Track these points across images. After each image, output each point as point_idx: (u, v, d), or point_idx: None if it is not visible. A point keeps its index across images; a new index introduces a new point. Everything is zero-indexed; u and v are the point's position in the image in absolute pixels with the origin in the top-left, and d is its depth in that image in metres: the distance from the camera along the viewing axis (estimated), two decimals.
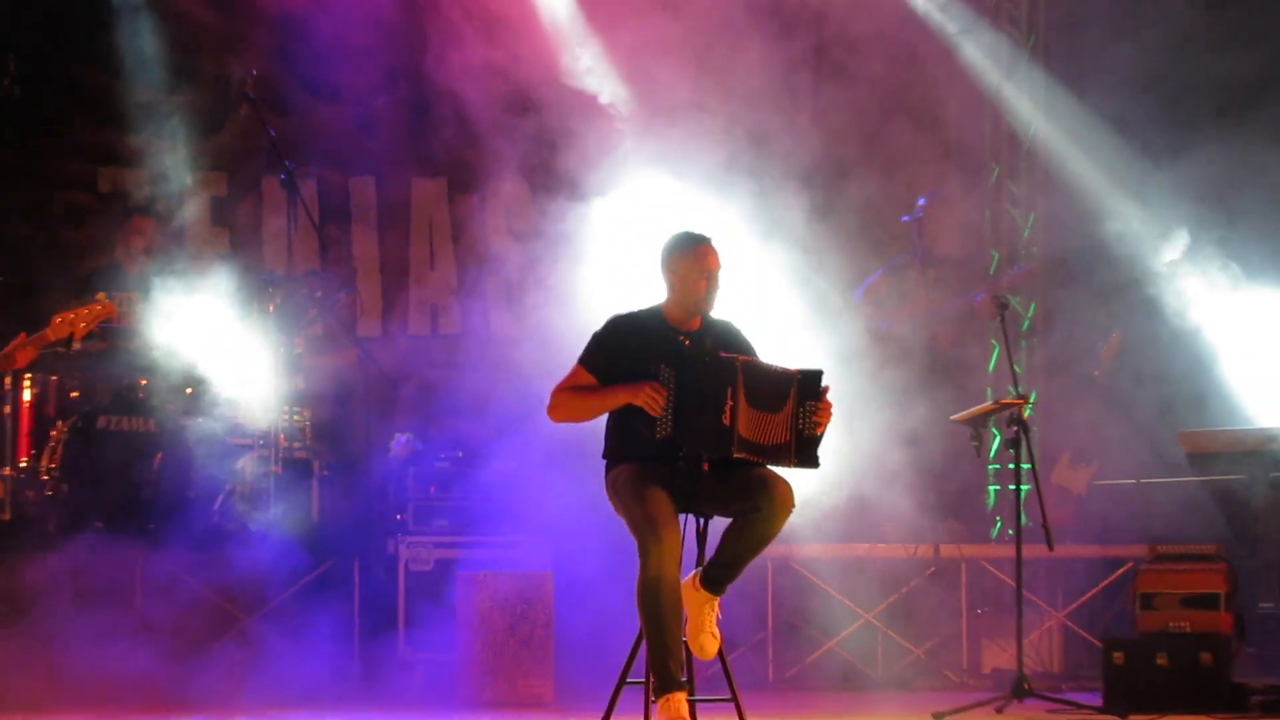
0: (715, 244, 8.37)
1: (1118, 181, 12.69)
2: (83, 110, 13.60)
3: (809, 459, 8.20)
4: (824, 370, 8.21)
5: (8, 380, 11.18)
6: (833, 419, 8.25)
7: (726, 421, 7.97)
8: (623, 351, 8.25)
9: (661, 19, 11.55)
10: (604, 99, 12.08)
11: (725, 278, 8.44)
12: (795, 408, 8.14)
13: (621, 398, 8.14)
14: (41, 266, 12.48)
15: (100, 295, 9.75)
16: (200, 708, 9.33)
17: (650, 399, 8.02)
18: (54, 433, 11.20)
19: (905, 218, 12.89)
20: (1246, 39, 12.54)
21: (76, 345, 9.41)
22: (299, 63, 13.63)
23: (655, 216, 9.42)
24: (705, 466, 8.09)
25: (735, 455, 8.01)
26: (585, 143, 11.16)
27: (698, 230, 8.47)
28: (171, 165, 13.68)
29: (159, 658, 9.85)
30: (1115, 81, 12.61)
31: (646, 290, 8.55)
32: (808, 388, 8.16)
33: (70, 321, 9.34)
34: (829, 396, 8.20)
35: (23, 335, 9.21)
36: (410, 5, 13.45)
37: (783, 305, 10.90)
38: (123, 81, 13.47)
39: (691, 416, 8.02)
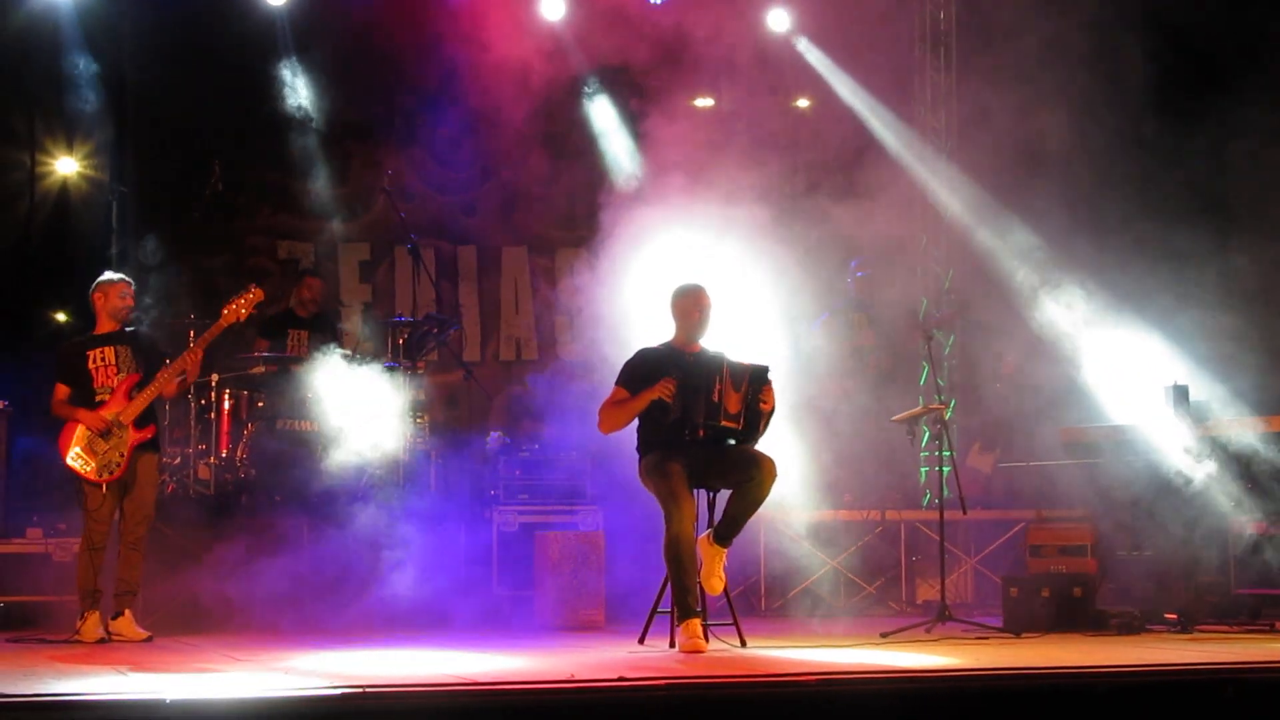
0: (707, 290, 8.53)
1: (1010, 246, 12.62)
2: (267, 200, 13.64)
3: (751, 429, 8.41)
4: (769, 366, 8.48)
5: (212, 393, 11.19)
6: (776, 406, 8.52)
7: (715, 399, 8.19)
8: (646, 371, 8.36)
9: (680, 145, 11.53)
10: (635, 190, 12.07)
11: (730, 314, 8.59)
12: (748, 389, 8.35)
13: (647, 397, 8.26)
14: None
15: (252, 285, 9.66)
16: (346, 633, 9.26)
17: (665, 388, 8.17)
18: (246, 431, 11.19)
19: (860, 274, 12.83)
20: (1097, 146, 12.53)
21: (243, 318, 9.47)
22: (420, 166, 13.71)
23: (671, 273, 9.41)
24: (701, 434, 8.16)
25: (723, 424, 8.18)
26: (624, 219, 11.13)
27: (693, 280, 8.63)
28: (330, 239, 13.74)
29: (319, 594, 9.81)
30: (1007, 174, 12.56)
31: (663, 326, 8.71)
32: (757, 378, 8.37)
33: (234, 310, 9.41)
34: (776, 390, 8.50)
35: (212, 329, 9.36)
36: (499, 127, 13.49)
37: (769, 336, 10.83)
38: (296, 179, 13.54)
39: (692, 398, 8.22)
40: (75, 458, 9.09)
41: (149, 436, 9.24)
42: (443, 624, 9.69)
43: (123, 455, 9.09)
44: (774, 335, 10.71)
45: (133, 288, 9.47)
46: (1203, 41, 12.35)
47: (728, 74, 12.96)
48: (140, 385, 9.20)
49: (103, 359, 9.25)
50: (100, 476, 9.06)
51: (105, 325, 9.37)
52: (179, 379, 9.35)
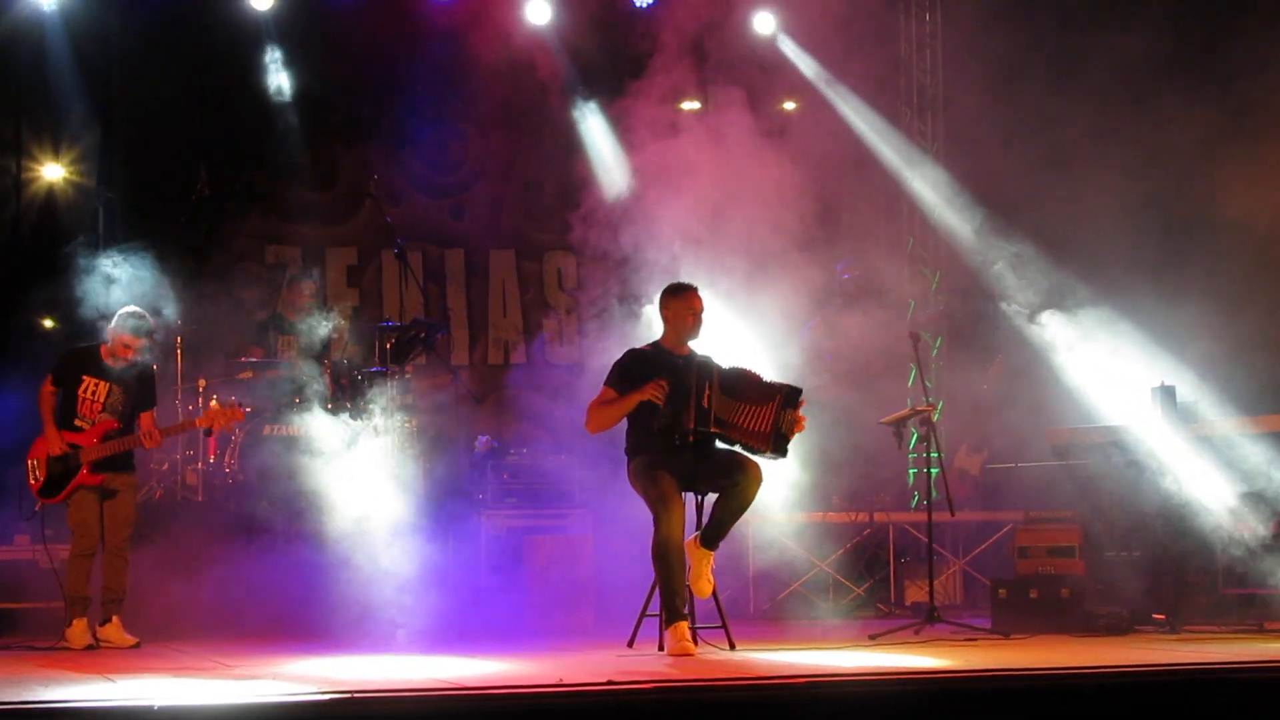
0: (698, 292, 8.50)
1: (996, 248, 12.63)
2: (255, 204, 13.63)
3: (780, 450, 8.33)
4: (802, 389, 8.37)
5: (200, 399, 11.17)
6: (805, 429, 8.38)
7: (705, 404, 8.18)
8: (635, 372, 8.35)
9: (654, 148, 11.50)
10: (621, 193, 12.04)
11: (718, 319, 8.55)
12: (778, 411, 8.25)
13: (636, 398, 8.24)
14: (225, 317, 12.48)
15: (247, 408, 9.66)
16: (334, 639, 9.22)
17: (655, 390, 8.13)
18: (234, 437, 11.17)
19: (846, 275, 12.83)
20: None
21: (216, 430, 9.48)
22: (407, 170, 13.71)
23: (660, 276, 9.42)
24: (691, 439, 8.14)
25: (712, 430, 8.14)
26: (610, 222, 11.15)
27: (685, 281, 8.61)
28: (317, 243, 13.72)
29: (308, 599, 9.77)
30: (994, 175, 12.59)
31: (653, 328, 8.65)
32: (789, 400, 8.26)
33: (211, 417, 9.32)
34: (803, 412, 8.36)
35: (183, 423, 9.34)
36: (486, 130, 13.53)
37: (758, 336, 10.83)
38: (283, 184, 13.52)
39: (682, 402, 8.19)
40: (33, 467, 9.17)
41: (96, 483, 9.13)
42: (431, 628, 9.65)
43: (63, 487, 9.09)
44: (763, 340, 10.71)
45: (140, 342, 9.22)
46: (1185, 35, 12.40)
47: (714, 77, 12.97)
48: (113, 435, 9.17)
49: (93, 392, 9.20)
50: (40, 494, 9.14)
51: (107, 355, 9.28)
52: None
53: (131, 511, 9.24)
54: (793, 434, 8.34)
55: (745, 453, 8.39)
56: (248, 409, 10.12)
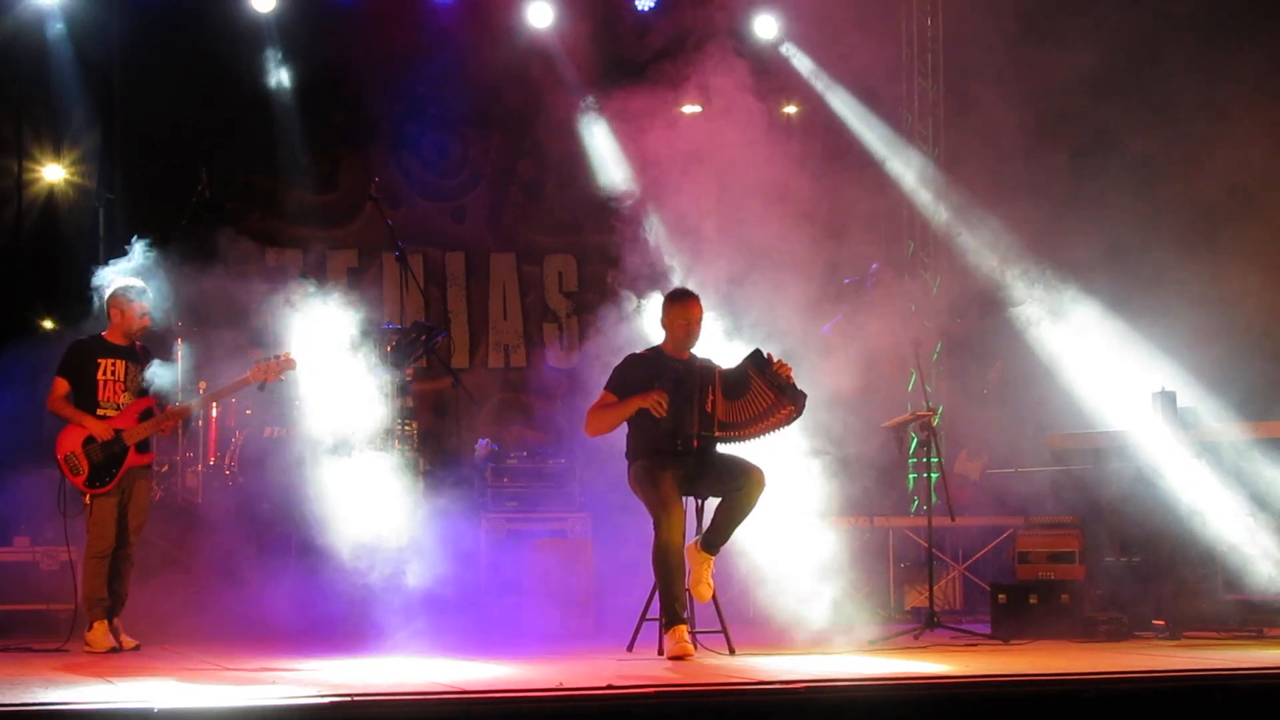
0: (699, 300, 8.52)
1: (997, 252, 12.64)
2: (256, 206, 13.63)
3: (796, 397, 8.40)
4: (759, 349, 8.48)
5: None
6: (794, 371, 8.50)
7: (709, 409, 8.25)
8: (635, 377, 8.38)
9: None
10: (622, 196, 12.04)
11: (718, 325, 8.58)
12: (760, 377, 8.34)
13: (636, 404, 8.27)
14: (224, 321, 12.47)
15: (286, 353, 9.57)
16: (334, 642, 9.21)
17: (656, 401, 8.14)
18: (234, 439, 11.17)
19: (848, 280, 12.81)
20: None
21: (270, 381, 9.41)
22: (409, 172, 13.71)
23: (662, 281, 9.43)
24: (695, 444, 8.16)
25: (717, 435, 8.16)
26: (611, 225, 11.16)
27: (685, 289, 8.63)
28: (318, 246, 13.72)
29: (307, 602, 9.77)
30: (994, 180, 12.59)
31: (654, 332, 8.66)
32: (758, 363, 8.38)
33: (261, 370, 9.33)
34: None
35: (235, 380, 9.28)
36: (487, 133, 13.52)
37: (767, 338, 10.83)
38: (284, 186, 13.53)
39: (685, 409, 8.22)
40: (69, 460, 9.01)
41: (147, 462, 9.20)
42: (431, 632, 9.65)
43: (114, 473, 9.03)
44: (769, 341, 10.71)
45: (150, 307, 9.28)
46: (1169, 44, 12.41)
47: (715, 80, 12.98)
48: (149, 413, 9.16)
49: (112, 372, 9.15)
50: (87, 486, 9.01)
51: (116, 336, 9.25)
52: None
53: (145, 515, 9.23)
54: (789, 377, 8.38)
55: (787, 425, 8.46)
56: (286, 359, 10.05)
